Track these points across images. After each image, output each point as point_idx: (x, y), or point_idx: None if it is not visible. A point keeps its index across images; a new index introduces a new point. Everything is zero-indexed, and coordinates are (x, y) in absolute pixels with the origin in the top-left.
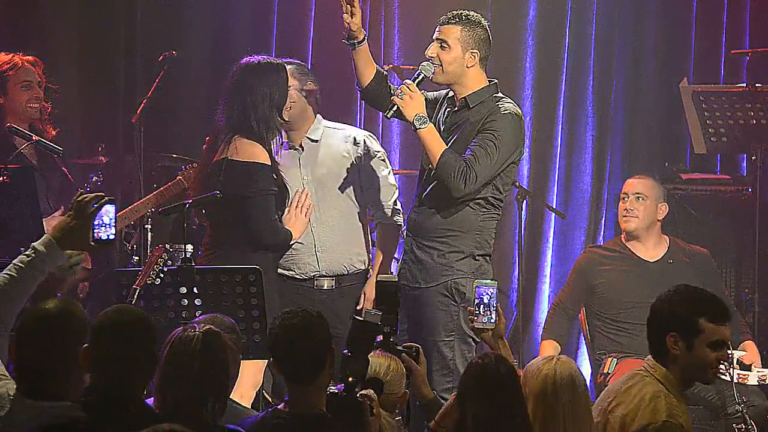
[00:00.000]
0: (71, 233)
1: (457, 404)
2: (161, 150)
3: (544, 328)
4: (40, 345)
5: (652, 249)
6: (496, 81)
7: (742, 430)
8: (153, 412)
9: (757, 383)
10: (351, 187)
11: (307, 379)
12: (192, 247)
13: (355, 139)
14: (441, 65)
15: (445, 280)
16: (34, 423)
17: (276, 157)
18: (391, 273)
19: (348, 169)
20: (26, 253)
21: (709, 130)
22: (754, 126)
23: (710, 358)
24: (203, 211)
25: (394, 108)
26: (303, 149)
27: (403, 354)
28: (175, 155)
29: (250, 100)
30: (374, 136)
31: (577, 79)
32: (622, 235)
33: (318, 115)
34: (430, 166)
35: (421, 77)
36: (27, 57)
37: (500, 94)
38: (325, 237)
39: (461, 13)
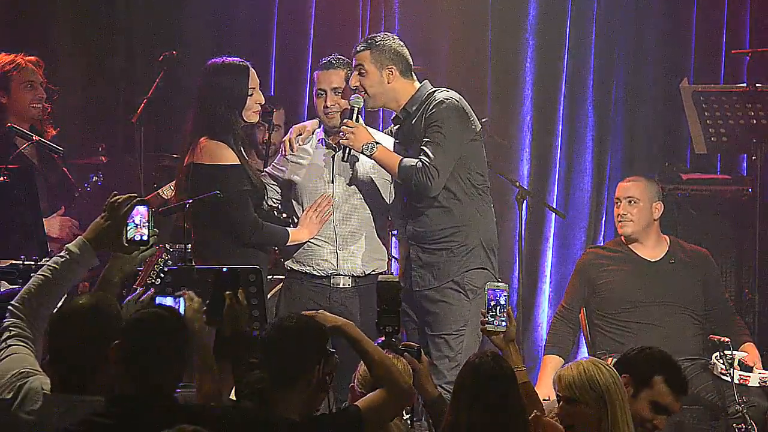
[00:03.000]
0: (104, 234)
1: (450, 404)
2: (161, 150)
3: (547, 339)
4: (72, 339)
5: (652, 249)
6: (426, 80)
7: (742, 430)
8: (182, 408)
9: (758, 385)
10: (381, 195)
11: (285, 383)
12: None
13: None
14: (365, 91)
15: (456, 276)
16: (65, 416)
17: (313, 151)
18: (392, 273)
19: (382, 176)
20: (60, 254)
21: (710, 130)
22: (754, 126)
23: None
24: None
25: (346, 149)
26: (340, 148)
27: (405, 353)
28: (175, 155)
29: (209, 102)
30: None
31: (577, 79)
32: (622, 236)
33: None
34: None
35: (355, 111)
36: (29, 57)
37: (432, 89)
38: (347, 237)
39: (368, 38)
